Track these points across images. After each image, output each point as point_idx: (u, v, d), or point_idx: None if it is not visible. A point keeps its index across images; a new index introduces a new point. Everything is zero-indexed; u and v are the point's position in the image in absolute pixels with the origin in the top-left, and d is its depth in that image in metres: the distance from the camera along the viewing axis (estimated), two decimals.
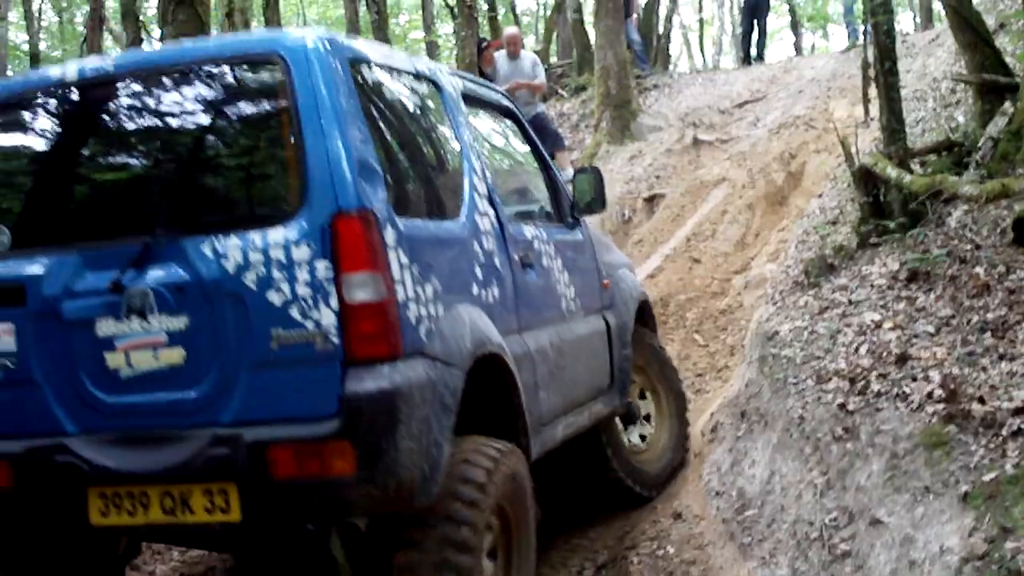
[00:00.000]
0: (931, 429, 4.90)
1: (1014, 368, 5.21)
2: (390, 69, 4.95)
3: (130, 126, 4.78)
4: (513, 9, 29.72)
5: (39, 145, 4.90)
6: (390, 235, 4.23)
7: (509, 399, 5.03)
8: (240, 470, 4.11)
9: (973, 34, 8.25)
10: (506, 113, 6.37)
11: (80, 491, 4.33)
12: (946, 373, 5.32)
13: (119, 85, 4.67)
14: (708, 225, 11.84)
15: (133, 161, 4.75)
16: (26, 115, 4.85)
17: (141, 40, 16.04)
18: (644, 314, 7.41)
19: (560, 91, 19.53)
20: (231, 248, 4.16)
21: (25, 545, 4.96)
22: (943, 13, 9.90)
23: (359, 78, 4.54)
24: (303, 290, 4.08)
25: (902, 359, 5.67)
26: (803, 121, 13.43)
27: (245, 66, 4.50)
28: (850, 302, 6.91)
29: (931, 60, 12.24)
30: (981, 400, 4.94)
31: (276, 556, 4.89)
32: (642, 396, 7.43)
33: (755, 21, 19.22)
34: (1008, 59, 8.35)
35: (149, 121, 4.72)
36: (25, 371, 4.42)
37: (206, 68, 4.56)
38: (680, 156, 14.07)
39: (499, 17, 24.96)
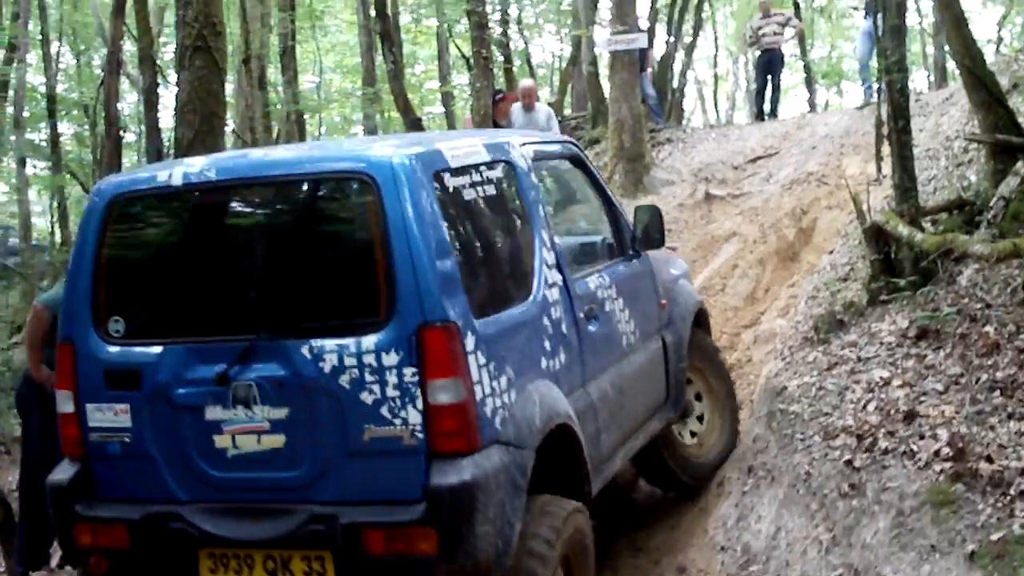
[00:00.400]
0: (938, 487, 4.88)
1: (1023, 427, 5.19)
2: (469, 168, 5.11)
3: (231, 233, 5.15)
4: (528, 61, 29.86)
5: (148, 243, 5.25)
6: (470, 341, 4.55)
7: (573, 456, 5.27)
8: (336, 544, 4.53)
9: (987, 94, 8.27)
10: (573, 159, 6.58)
11: (191, 552, 4.77)
12: (954, 431, 5.30)
13: (220, 193, 4.99)
14: (719, 279, 11.83)
15: (234, 266, 5.04)
16: (135, 214, 5.13)
17: (158, 85, 16.16)
18: (699, 318, 7.67)
19: None
20: (327, 351, 4.54)
21: None
22: (957, 72, 9.92)
23: (442, 188, 4.78)
24: (392, 392, 4.46)
25: (910, 416, 5.65)
26: (816, 177, 13.41)
27: (338, 182, 4.81)
28: (859, 359, 6.90)
29: (944, 119, 12.24)
30: (989, 459, 4.91)
31: None
32: (697, 398, 7.64)
33: (769, 77, 19.24)
34: (1021, 119, 8.36)
35: (249, 229, 5.13)
36: (141, 445, 4.87)
37: (301, 182, 4.86)
38: (692, 211, 14.07)
39: (514, 69, 25.06)
